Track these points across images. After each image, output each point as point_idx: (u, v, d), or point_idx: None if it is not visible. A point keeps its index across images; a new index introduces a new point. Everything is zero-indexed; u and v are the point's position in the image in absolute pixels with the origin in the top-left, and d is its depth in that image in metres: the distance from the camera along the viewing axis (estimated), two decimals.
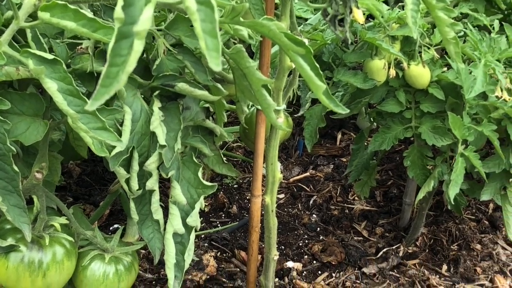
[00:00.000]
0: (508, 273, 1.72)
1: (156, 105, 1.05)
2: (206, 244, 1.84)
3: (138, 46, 0.62)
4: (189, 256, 1.08)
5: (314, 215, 1.99)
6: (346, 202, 2.07)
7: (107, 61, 0.62)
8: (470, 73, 1.41)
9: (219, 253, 1.80)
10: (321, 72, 0.94)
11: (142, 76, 1.08)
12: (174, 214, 1.07)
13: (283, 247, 1.84)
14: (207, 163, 1.24)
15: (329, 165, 2.21)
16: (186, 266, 1.07)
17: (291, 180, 2.13)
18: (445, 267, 1.77)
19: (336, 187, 2.10)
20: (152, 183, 1.04)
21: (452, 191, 1.45)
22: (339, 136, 2.37)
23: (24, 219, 0.93)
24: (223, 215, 1.99)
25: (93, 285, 1.06)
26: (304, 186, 2.10)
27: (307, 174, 2.15)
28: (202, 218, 1.99)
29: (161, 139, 1.03)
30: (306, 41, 1.26)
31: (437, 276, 1.72)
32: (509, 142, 1.48)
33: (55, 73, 0.83)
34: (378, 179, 2.10)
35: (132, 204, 1.05)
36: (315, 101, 1.65)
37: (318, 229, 1.93)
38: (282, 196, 2.07)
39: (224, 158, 1.41)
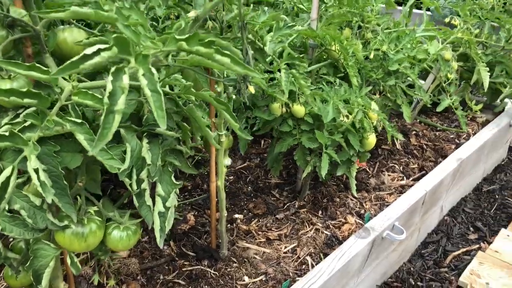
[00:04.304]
0: (354, 213, 1.99)
1: (145, 141, 1.12)
2: (189, 208, 1.99)
3: (118, 117, 0.71)
4: (169, 224, 1.15)
5: (249, 187, 2.16)
6: (266, 179, 2.23)
7: (100, 127, 0.72)
8: (325, 108, 1.74)
9: (196, 213, 1.96)
10: (236, 118, 1.10)
11: (137, 124, 1.14)
12: (158, 201, 1.15)
13: (232, 206, 2.00)
14: (180, 168, 1.29)
15: (257, 158, 2.39)
16: (167, 230, 1.14)
17: (237, 168, 2.31)
18: (320, 212, 2.00)
19: (261, 171, 2.28)
20: (145, 185, 1.11)
21: (323, 172, 1.73)
22: (263, 142, 2.54)
23: (72, 210, 0.99)
24: (199, 190, 2.13)
25: (114, 242, 1.16)
26: (244, 171, 2.29)
27: (245, 164, 2.34)
28: (186, 193, 2.10)
29: (148, 161, 1.10)
30: (234, 97, 1.41)
31: (316, 217, 1.96)
32: (349, 145, 1.81)
33: (83, 130, 0.93)
34: (284, 165, 2.25)
35: (134, 197, 1.12)
36: None
37: (252, 195, 2.10)
38: (232, 177, 2.23)
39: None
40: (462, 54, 2.57)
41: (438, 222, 2.42)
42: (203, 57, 0.81)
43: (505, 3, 2.65)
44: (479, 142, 2.46)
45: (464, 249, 2.27)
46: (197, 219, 1.93)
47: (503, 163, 2.99)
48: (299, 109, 1.76)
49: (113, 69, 0.68)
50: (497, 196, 2.66)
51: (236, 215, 1.97)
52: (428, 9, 3.66)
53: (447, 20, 2.36)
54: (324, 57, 1.93)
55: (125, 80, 0.68)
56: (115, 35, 0.66)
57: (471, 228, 2.42)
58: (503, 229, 2.37)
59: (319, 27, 1.85)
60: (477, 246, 2.30)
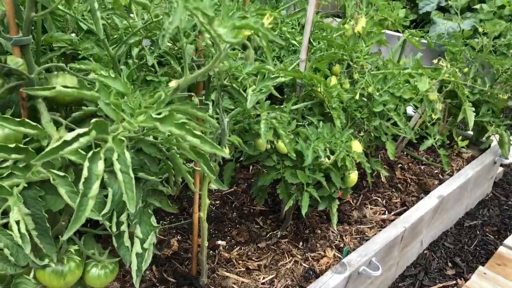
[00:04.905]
0: (333, 246, 2.03)
1: None
2: (174, 231, 2.03)
3: (91, 202, 0.77)
4: (146, 264, 1.17)
5: (234, 213, 2.21)
6: (252, 205, 2.28)
7: (75, 209, 0.75)
8: (306, 151, 1.75)
9: (180, 237, 2.00)
10: (213, 168, 1.11)
11: None
12: (136, 242, 1.18)
13: (216, 232, 2.05)
14: (160, 206, 1.31)
15: (244, 184, 2.43)
16: (144, 269, 1.17)
17: (224, 192, 2.35)
18: (301, 243, 2.04)
19: (247, 197, 2.32)
20: (124, 227, 1.15)
21: (303, 210, 1.78)
22: (251, 167, 2.59)
23: (52, 250, 1.05)
24: (185, 213, 2.18)
25: (92, 280, 1.21)
26: (230, 196, 2.33)
27: (232, 189, 2.39)
28: (172, 216, 2.15)
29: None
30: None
31: (296, 249, 2.00)
32: (330, 181, 1.84)
33: (65, 183, 0.98)
34: (270, 192, 2.24)
35: (113, 238, 1.16)
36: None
37: (236, 221, 2.15)
38: (218, 202, 2.28)
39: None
40: (451, 90, 2.63)
41: (417, 255, 2.48)
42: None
43: (495, 42, 2.71)
44: (461, 180, 2.52)
45: (441, 285, 2.32)
46: (180, 245, 1.96)
47: (487, 198, 3.04)
48: (283, 146, 1.80)
49: (90, 154, 0.73)
50: (478, 232, 2.72)
51: (219, 242, 2.02)
52: (422, 37, 3.72)
53: (435, 61, 2.42)
54: (313, 94, 1.99)
55: (100, 166, 0.73)
56: (94, 120, 0.73)
57: (450, 264, 2.47)
58: (480, 267, 2.43)
59: (308, 66, 1.92)
60: (454, 282, 2.35)
